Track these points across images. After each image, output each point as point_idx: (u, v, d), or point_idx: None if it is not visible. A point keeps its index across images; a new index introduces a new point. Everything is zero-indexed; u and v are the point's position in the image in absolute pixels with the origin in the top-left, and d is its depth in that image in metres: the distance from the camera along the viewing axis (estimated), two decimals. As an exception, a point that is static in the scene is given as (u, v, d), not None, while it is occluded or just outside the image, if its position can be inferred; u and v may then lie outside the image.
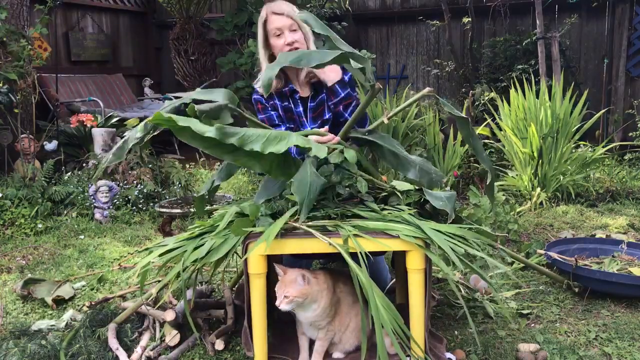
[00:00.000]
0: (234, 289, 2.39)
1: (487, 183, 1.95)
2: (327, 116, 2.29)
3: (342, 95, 2.25)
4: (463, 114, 1.85)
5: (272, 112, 2.31)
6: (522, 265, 2.69)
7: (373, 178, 1.91)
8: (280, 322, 2.05)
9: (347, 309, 1.84)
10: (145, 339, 2.06)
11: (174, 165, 4.45)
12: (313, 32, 1.95)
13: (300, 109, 2.31)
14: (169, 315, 2.07)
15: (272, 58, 2.28)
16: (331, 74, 2.24)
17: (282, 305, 1.71)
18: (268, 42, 2.27)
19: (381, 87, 1.82)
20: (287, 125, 2.30)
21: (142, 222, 3.79)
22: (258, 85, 2.33)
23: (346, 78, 2.27)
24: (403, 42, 6.83)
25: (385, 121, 1.88)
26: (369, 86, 1.78)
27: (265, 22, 2.25)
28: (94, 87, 6.48)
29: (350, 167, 1.80)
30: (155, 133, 1.84)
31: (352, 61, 1.70)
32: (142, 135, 1.78)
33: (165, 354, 1.96)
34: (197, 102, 1.79)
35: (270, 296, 1.78)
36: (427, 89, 1.84)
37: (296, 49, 2.20)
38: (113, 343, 1.99)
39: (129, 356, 1.94)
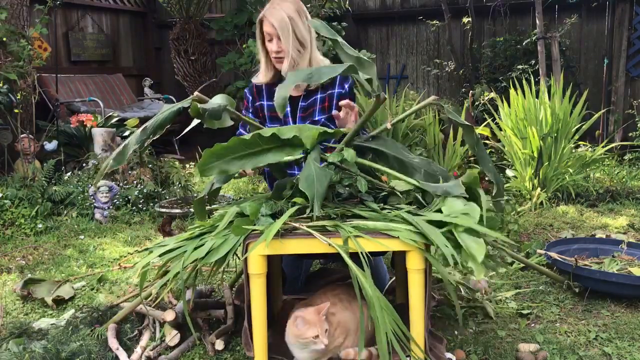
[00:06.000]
0: (233, 289, 2.39)
1: (494, 195, 1.88)
2: (317, 117, 2.28)
3: (343, 90, 2.27)
4: (468, 122, 1.84)
5: (252, 115, 2.35)
6: (522, 265, 2.69)
7: (372, 179, 1.90)
8: (280, 322, 2.04)
9: (355, 320, 1.84)
10: (145, 339, 2.06)
11: (174, 165, 4.45)
12: (318, 35, 1.95)
13: (289, 108, 2.30)
14: (169, 316, 2.07)
15: (268, 55, 2.32)
16: None
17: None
18: (264, 41, 2.29)
19: (386, 97, 1.81)
20: (271, 125, 2.30)
21: (142, 222, 3.79)
22: (255, 79, 2.39)
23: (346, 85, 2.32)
24: (403, 42, 6.83)
25: (389, 127, 1.86)
26: (374, 95, 1.76)
27: (261, 22, 2.27)
28: (94, 87, 6.48)
29: (349, 166, 1.79)
30: (156, 137, 1.84)
31: (360, 73, 1.69)
32: (142, 139, 1.78)
33: (165, 354, 1.96)
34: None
35: (270, 296, 1.78)
36: (432, 97, 1.82)
37: (280, 58, 2.24)
38: (113, 343, 1.99)
39: (129, 356, 1.94)
